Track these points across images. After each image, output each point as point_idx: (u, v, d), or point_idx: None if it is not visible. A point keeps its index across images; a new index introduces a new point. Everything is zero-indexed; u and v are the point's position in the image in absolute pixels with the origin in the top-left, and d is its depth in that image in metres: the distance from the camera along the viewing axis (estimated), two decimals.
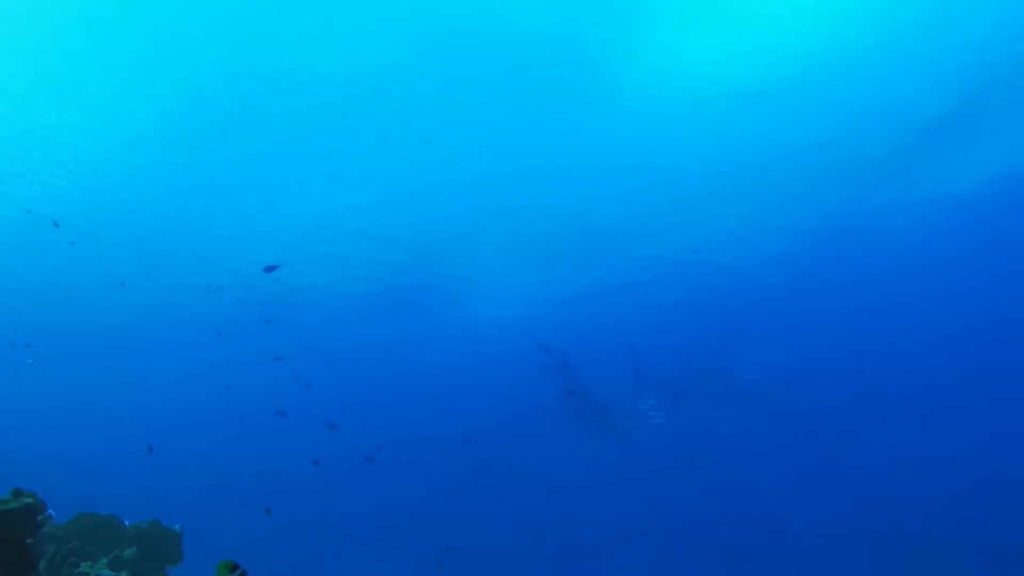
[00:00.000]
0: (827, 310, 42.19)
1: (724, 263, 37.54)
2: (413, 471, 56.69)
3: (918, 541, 51.31)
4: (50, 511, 12.65)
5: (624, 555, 60.45)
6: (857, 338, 44.88)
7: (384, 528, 60.14)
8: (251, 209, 32.92)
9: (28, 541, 10.81)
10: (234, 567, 9.68)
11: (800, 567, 54.48)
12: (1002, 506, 52.13)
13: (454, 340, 47.33)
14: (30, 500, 10.91)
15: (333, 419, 38.76)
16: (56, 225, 31.85)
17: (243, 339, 45.35)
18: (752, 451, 53.81)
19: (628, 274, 38.69)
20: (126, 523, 16.09)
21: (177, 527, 16.84)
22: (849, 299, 40.93)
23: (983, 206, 32.44)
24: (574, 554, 59.47)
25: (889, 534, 53.68)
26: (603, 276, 39.13)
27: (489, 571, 56.27)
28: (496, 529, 58.87)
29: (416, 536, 57.47)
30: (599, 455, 51.14)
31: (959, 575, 48.19)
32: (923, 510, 53.27)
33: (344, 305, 42.23)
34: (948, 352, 45.61)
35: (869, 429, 52.92)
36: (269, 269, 29.59)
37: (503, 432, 54.28)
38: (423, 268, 38.39)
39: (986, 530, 51.16)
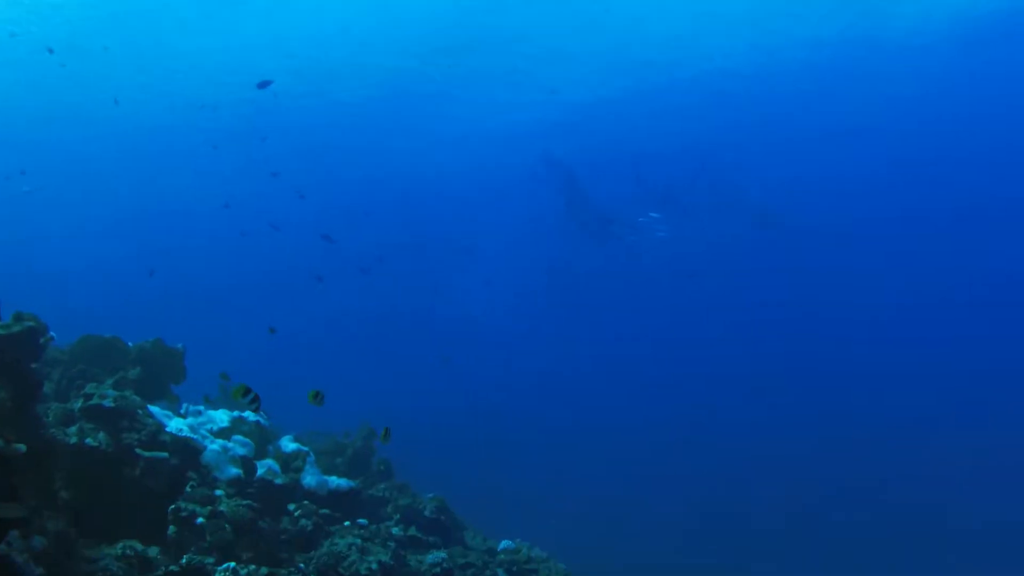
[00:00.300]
0: (841, 126, 41.20)
1: (736, 71, 36.30)
2: (415, 280, 57.21)
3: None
4: (52, 333, 12.48)
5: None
6: (871, 157, 44.12)
7: (384, 334, 61.47)
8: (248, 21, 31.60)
9: (32, 365, 10.72)
10: (247, 391, 9.58)
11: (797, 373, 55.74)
12: None
13: (458, 148, 46.55)
14: (32, 323, 10.77)
15: (330, 231, 38.44)
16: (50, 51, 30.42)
17: (239, 155, 44.62)
18: (754, 268, 54.14)
19: (637, 82, 37.55)
20: (129, 344, 16.04)
21: (179, 346, 16.80)
22: (864, 116, 39.83)
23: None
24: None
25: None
26: (612, 83, 37.99)
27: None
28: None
29: (417, 340, 58.59)
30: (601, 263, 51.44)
31: None
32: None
33: (345, 113, 41.23)
34: (959, 175, 45.11)
35: (872, 249, 53.01)
36: (263, 85, 28.42)
37: (506, 242, 54.35)
38: (429, 73, 37.20)
39: None
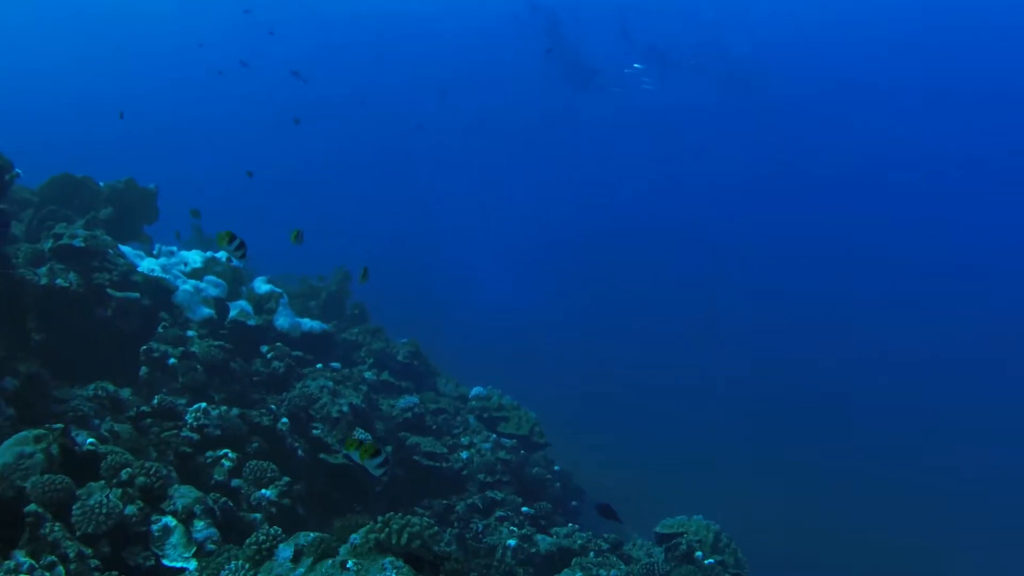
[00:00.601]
0: None
1: None
2: (393, 121, 56.12)
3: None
4: (17, 170, 12.23)
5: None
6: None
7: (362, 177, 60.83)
8: None
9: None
10: (232, 237, 9.52)
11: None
12: None
13: None
14: None
15: (301, 68, 37.34)
16: None
17: None
18: (734, 129, 53.57)
19: None
20: (101, 183, 15.78)
21: (152, 186, 16.56)
22: None
23: None
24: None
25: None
26: None
27: None
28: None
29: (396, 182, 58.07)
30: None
31: None
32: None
33: None
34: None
35: (857, 115, 52.48)
36: None
37: (484, 84, 53.25)
38: None
39: None
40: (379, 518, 6.53)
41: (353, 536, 6.47)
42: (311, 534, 6.68)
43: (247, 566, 6.50)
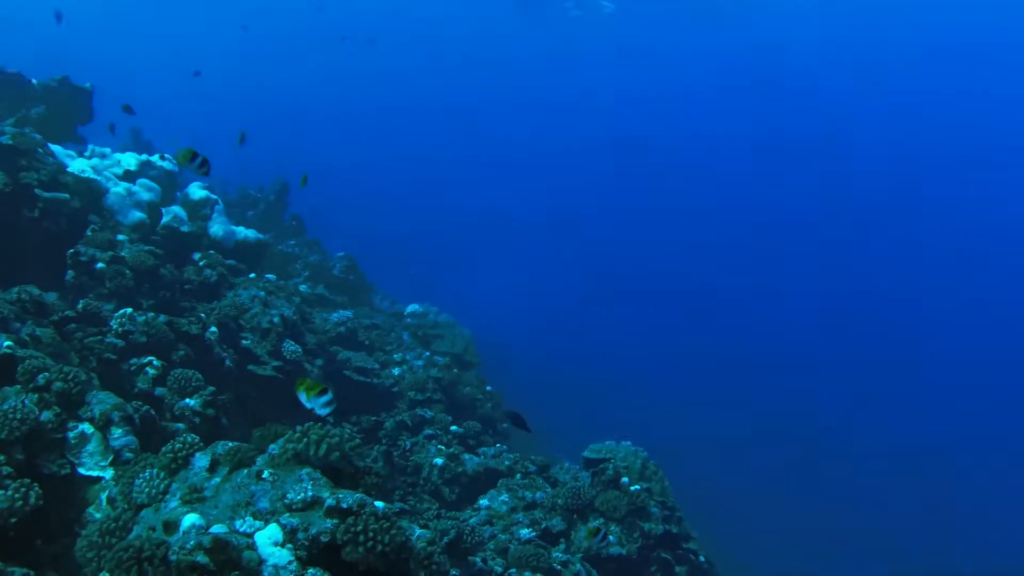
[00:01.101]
0: None
1: None
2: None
3: None
4: None
5: None
6: None
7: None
8: None
9: None
10: (194, 155, 9.32)
11: None
12: None
13: None
14: None
15: None
16: None
17: None
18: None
19: None
20: (33, 81, 15.25)
21: (88, 84, 16.05)
22: None
23: None
24: None
25: None
26: None
27: None
28: None
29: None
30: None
31: None
32: None
33: None
34: None
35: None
36: None
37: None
38: None
39: None
40: (298, 428, 6.57)
41: (271, 446, 6.50)
42: (229, 443, 6.70)
43: (162, 475, 6.51)
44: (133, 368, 9.61)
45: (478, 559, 9.76)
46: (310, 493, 5.86)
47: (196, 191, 14.71)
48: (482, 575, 9.53)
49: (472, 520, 11.42)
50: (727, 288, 51.84)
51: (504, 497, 11.97)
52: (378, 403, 14.60)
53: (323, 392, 6.44)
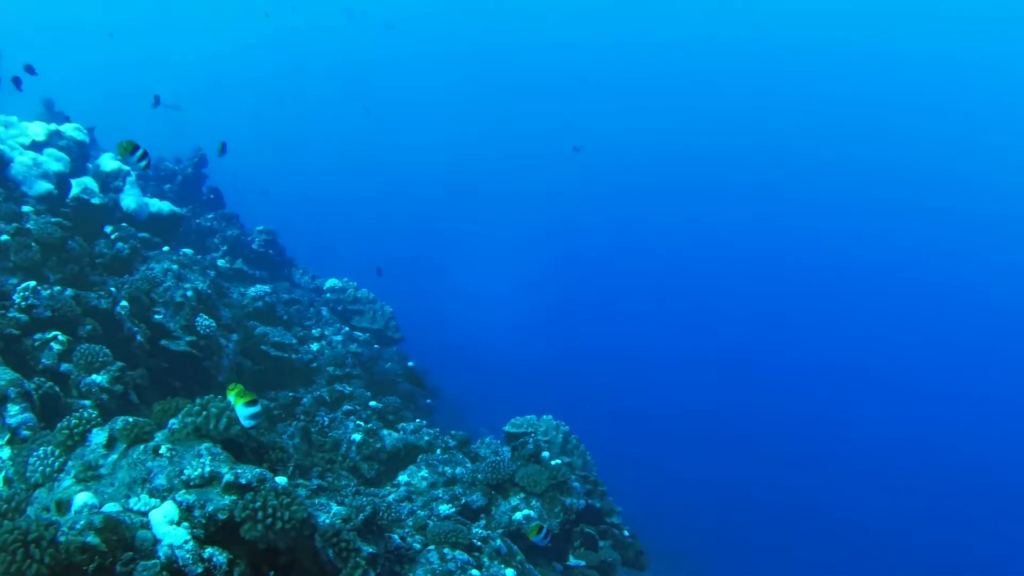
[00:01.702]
0: None
1: None
2: None
3: None
4: None
5: None
6: None
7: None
8: None
9: None
10: (135, 147, 9.12)
11: None
12: None
13: None
14: None
15: None
16: None
17: None
18: None
19: None
20: None
21: None
22: None
23: None
24: None
25: None
26: None
27: None
28: None
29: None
30: None
31: None
32: None
33: None
34: None
35: None
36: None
37: None
38: None
39: None
40: (197, 401, 6.45)
41: (171, 420, 6.40)
42: (129, 419, 6.58)
43: (57, 452, 6.36)
44: (37, 343, 9.33)
45: (396, 536, 9.77)
46: (207, 469, 5.76)
47: (108, 162, 14.33)
48: (400, 552, 9.54)
49: (391, 496, 11.43)
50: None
51: (423, 473, 11.99)
52: (296, 379, 14.49)
53: (252, 403, 6.25)
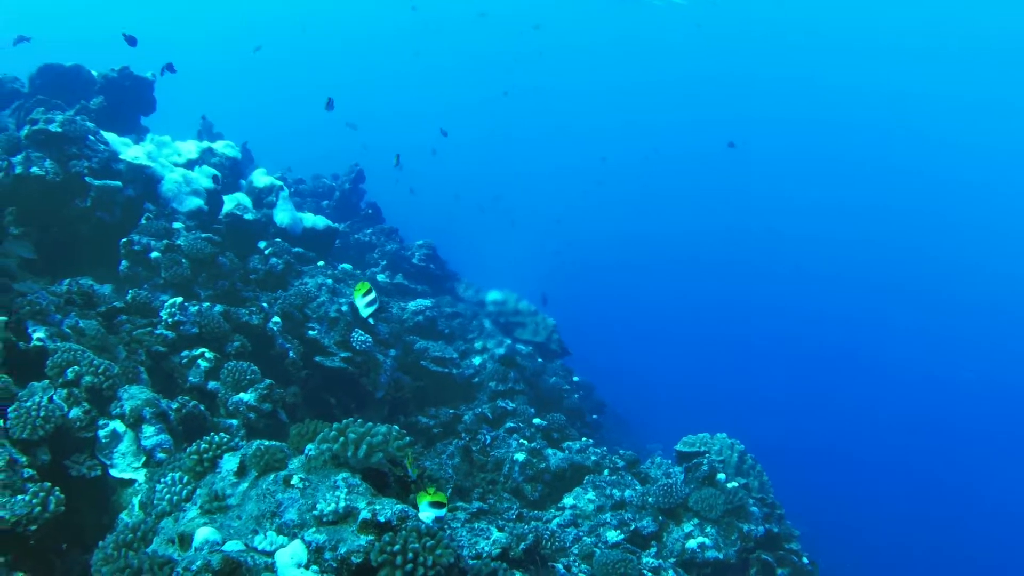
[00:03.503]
0: None
1: None
2: None
3: None
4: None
5: None
6: None
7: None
8: None
9: None
10: (368, 290, 8.74)
11: None
12: None
13: None
14: None
15: None
16: None
17: None
18: None
19: None
20: (94, 72, 14.83)
21: (149, 74, 15.58)
22: None
23: None
24: None
25: None
26: None
27: None
28: None
29: None
30: None
31: None
32: None
33: None
34: None
35: None
36: None
37: None
38: None
39: None
40: (334, 425, 5.64)
41: (308, 446, 5.64)
42: (264, 443, 5.85)
43: (186, 479, 5.72)
44: (185, 361, 8.91)
45: (560, 565, 8.75)
46: (342, 503, 4.92)
47: (260, 178, 14.12)
48: None
49: (555, 521, 10.44)
50: None
51: (590, 495, 10.93)
52: (457, 394, 13.75)
53: (439, 504, 5.22)
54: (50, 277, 9.81)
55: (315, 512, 4.89)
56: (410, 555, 4.54)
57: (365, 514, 4.83)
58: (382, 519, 4.80)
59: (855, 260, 61.71)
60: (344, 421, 5.68)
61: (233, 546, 4.73)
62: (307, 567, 4.56)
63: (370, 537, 4.72)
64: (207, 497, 5.30)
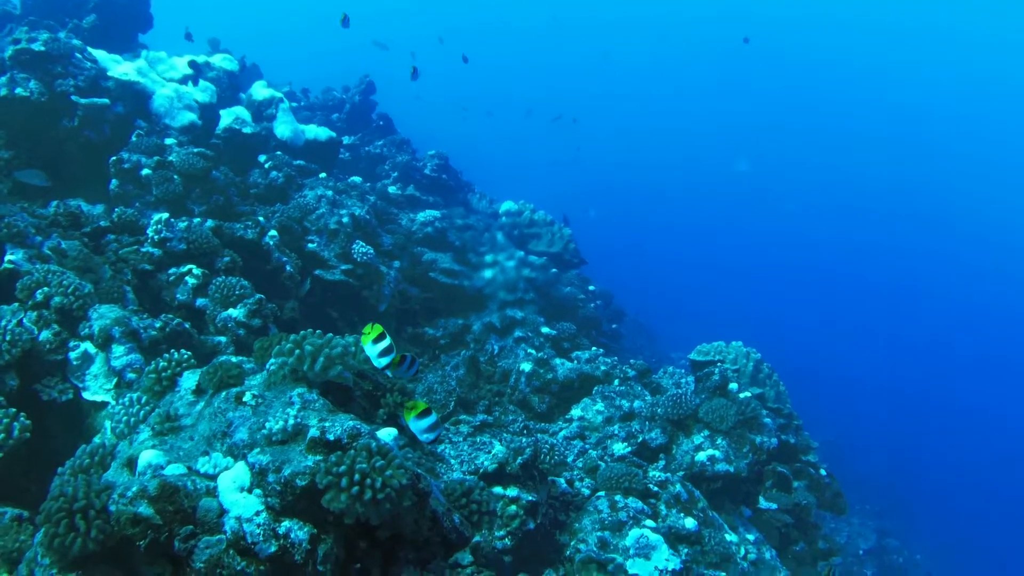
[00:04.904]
0: None
1: None
2: None
3: None
4: None
5: None
6: None
7: None
8: None
9: None
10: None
11: None
12: None
13: None
14: None
15: None
16: None
17: None
18: None
19: None
20: None
21: None
22: None
23: None
24: None
25: None
26: None
27: None
28: None
29: None
30: None
31: None
32: None
33: None
34: None
35: None
36: None
37: None
38: None
39: None
40: (291, 337, 5.40)
41: (270, 361, 5.42)
42: (221, 359, 5.63)
43: (144, 399, 5.56)
44: (172, 278, 8.73)
45: (562, 480, 8.58)
46: (292, 420, 4.67)
47: (259, 90, 13.74)
48: (567, 498, 8.34)
49: (562, 433, 10.26)
50: None
51: (599, 406, 10.72)
52: (468, 306, 13.53)
53: (425, 413, 4.98)
54: (41, 200, 9.66)
55: (264, 431, 4.68)
56: (356, 476, 4.30)
57: (314, 432, 4.58)
58: (331, 437, 4.54)
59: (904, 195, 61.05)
60: (302, 332, 5.45)
61: (174, 470, 4.54)
62: (250, 491, 4.36)
63: (318, 457, 4.48)
64: (159, 418, 5.11)
